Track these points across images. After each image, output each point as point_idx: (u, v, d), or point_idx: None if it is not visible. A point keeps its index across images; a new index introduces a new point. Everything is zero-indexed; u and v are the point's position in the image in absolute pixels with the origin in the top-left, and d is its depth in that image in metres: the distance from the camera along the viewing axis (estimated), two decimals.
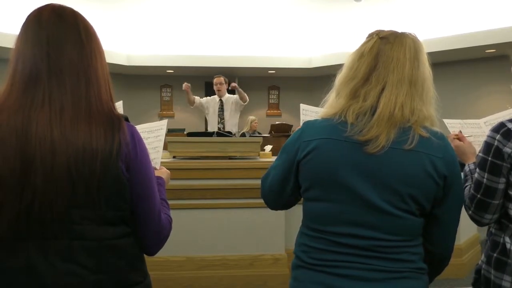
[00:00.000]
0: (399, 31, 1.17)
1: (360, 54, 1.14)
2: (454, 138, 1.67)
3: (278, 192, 1.23)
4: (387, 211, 1.05)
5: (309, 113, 2.34)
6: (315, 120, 1.17)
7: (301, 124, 2.26)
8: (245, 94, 5.42)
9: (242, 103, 5.47)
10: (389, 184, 1.05)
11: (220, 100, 5.51)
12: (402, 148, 1.05)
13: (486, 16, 7.26)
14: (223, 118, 5.43)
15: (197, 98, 5.52)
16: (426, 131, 1.07)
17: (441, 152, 1.07)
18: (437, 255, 1.19)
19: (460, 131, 1.71)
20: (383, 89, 1.08)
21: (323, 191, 1.11)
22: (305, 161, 1.12)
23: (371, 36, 1.17)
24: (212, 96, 5.62)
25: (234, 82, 5.83)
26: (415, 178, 1.05)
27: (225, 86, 5.50)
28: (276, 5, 8.29)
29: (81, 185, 0.95)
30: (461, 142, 1.64)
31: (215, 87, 5.49)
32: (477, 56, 8.27)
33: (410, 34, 1.16)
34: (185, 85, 5.34)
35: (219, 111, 5.47)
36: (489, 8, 7.21)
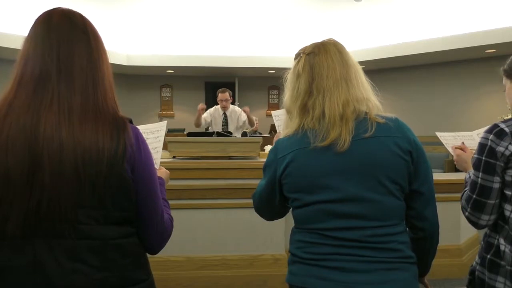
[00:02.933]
0: (320, 41, 1.29)
1: (297, 74, 1.26)
2: (456, 148, 1.69)
3: (268, 207, 1.35)
4: (370, 198, 1.14)
5: (281, 117, 2.40)
6: (284, 138, 1.27)
7: (277, 128, 2.38)
8: (255, 121, 5.37)
9: (250, 127, 5.44)
10: (366, 172, 1.14)
11: (224, 114, 5.40)
12: (364, 137, 1.14)
13: (486, 16, 7.25)
14: (227, 130, 5.34)
15: (202, 119, 5.37)
16: (381, 118, 1.18)
17: (400, 132, 1.18)
18: (427, 230, 1.24)
19: (463, 142, 1.73)
20: (324, 95, 1.19)
21: (307, 197, 1.19)
22: (285, 176, 1.21)
23: (298, 56, 1.29)
24: (214, 107, 5.50)
25: (234, 82, 5.78)
26: (385, 160, 1.15)
27: (230, 101, 5.40)
28: (276, 5, 8.28)
29: (87, 184, 0.97)
30: (463, 151, 1.66)
31: (220, 103, 5.35)
32: (477, 56, 8.27)
33: (329, 40, 1.29)
34: (200, 105, 5.23)
35: (223, 125, 5.39)
36: (489, 8, 7.21)
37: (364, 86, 1.23)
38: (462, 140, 1.82)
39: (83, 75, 1.02)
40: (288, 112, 1.28)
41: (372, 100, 1.22)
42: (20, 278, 0.96)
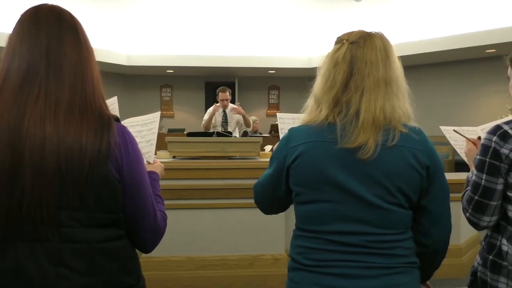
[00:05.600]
0: (367, 31, 1.19)
1: (335, 62, 1.16)
2: (468, 141, 1.63)
3: (271, 199, 1.28)
4: (378, 205, 1.10)
5: (286, 120, 2.40)
6: (300, 126, 1.20)
7: (279, 132, 2.29)
8: (251, 122, 5.50)
9: (246, 128, 5.57)
10: (377, 179, 1.09)
11: (224, 111, 5.50)
12: (385, 145, 1.09)
13: (486, 16, 7.25)
14: (226, 128, 5.47)
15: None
16: (405, 127, 1.12)
17: (421, 145, 1.13)
18: (430, 247, 1.21)
19: (479, 137, 1.66)
20: (362, 94, 1.12)
21: (314, 193, 1.13)
22: (294, 166, 1.15)
23: (340, 42, 1.18)
24: (213, 106, 5.58)
25: (234, 82, 5.84)
26: (400, 171, 1.10)
27: (230, 99, 5.51)
28: (276, 5, 8.28)
29: (69, 183, 0.93)
30: (474, 147, 1.58)
31: (221, 103, 5.44)
32: (477, 56, 8.27)
33: (377, 33, 1.18)
34: (216, 106, 5.36)
35: (222, 122, 5.49)
36: (489, 8, 7.20)
37: (402, 92, 1.16)
38: (466, 134, 1.76)
39: (72, 70, 0.99)
40: (316, 101, 1.18)
41: (406, 109, 1.15)
42: (3, 282, 0.93)
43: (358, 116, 1.10)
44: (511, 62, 1.42)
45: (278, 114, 2.49)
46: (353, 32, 1.19)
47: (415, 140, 1.12)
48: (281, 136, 2.17)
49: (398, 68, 1.17)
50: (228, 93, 5.45)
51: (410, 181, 1.11)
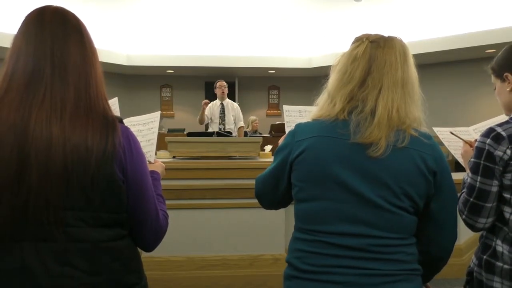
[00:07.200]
0: (386, 35, 1.19)
1: (353, 58, 1.15)
2: (465, 143, 1.64)
3: (271, 193, 1.26)
4: (382, 206, 1.07)
5: (292, 113, 2.37)
6: (307, 122, 1.19)
7: (285, 125, 2.27)
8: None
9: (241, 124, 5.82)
10: (383, 180, 1.07)
11: (221, 104, 5.64)
12: (395, 146, 1.08)
13: (486, 16, 7.25)
14: (224, 120, 5.56)
15: (206, 115, 5.65)
16: (415, 131, 1.12)
17: (430, 150, 1.12)
18: (433, 255, 1.19)
19: (476, 139, 1.68)
20: (379, 92, 1.11)
21: (316, 189, 1.11)
22: (298, 161, 1.13)
23: (360, 40, 1.18)
24: (212, 102, 5.75)
25: (234, 82, 5.95)
26: (407, 173, 1.08)
27: (227, 89, 5.68)
28: (276, 5, 8.28)
29: (75, 183, 0.94)
30: (471, 149, 1.59)
31: (219, 90, 5.60)
32: (477, 56, 8.27)
33: (396, 37, 1.19)
34: (205, 101, 5.56)
35: (220, 114, 5.58)
36: (489, 8, 7.21)
37: (416, 97, 1.16)
38: (459, 135, 1.77)
39: (76, 71, 1.00)
40: (330, 96, 1.16)
41: (418, 114, 1.15)
42: (8, 282, 0.94)
43: (373, 114, 1.09)
44: (492, 70, 1.45)
45: (284, 107, 2.45)
46: (372, 34, 1.20)
47: (424, 144, 1.11)
48: (287, 130, 2.13)
49: (414, 73, 1.17)
50: (224, 82, 5.62)
51: (417, 184, 1.09)
